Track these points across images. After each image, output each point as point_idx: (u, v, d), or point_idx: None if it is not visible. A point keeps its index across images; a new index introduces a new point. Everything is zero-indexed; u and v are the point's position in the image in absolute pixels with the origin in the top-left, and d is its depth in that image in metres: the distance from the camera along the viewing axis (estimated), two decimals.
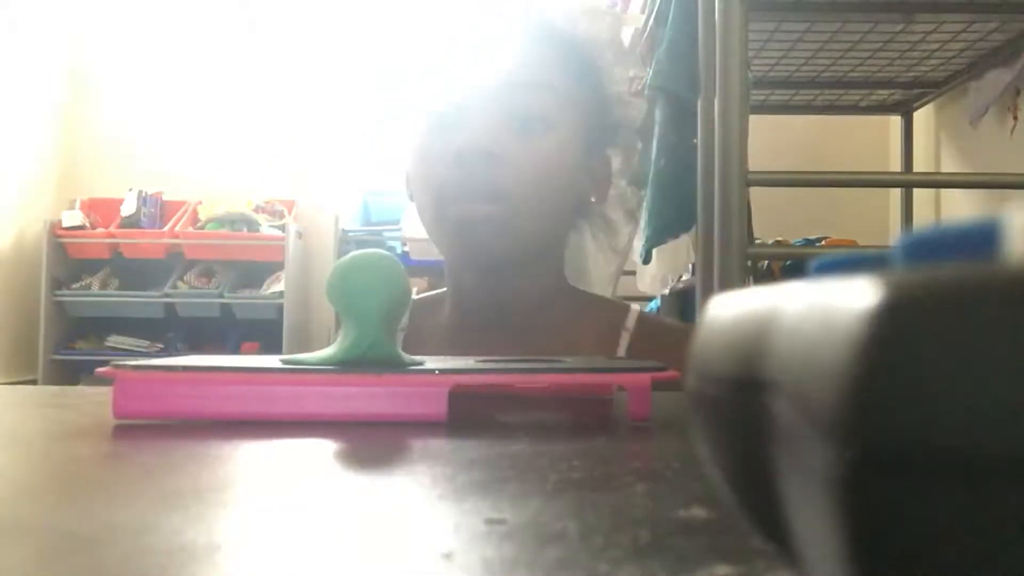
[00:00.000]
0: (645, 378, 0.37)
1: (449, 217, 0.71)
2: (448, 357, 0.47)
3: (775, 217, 2.15)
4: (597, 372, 0.39)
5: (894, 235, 2.20)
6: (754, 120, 1.23)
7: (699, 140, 1.32)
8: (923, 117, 2.17)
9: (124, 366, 0.36)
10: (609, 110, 0.78)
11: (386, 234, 3.39)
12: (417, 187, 0.75)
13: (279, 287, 3.33)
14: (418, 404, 0.36)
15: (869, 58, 1.73)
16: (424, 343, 0.77)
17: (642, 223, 1.53)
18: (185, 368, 0.37)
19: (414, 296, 0.83)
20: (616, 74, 0.77)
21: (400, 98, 0.81)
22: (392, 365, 0.38)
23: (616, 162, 0.81)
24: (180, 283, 3.40)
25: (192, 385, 0.36)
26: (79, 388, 0.51)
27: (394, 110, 0.83)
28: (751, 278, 1.44)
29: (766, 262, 1.73)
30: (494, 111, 0.71)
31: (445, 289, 0.81)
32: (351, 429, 0.34)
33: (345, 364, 0.38)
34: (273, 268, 3.40)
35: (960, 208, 2.05)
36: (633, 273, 1.87)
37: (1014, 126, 1.83)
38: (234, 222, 3.42)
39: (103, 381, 0.37)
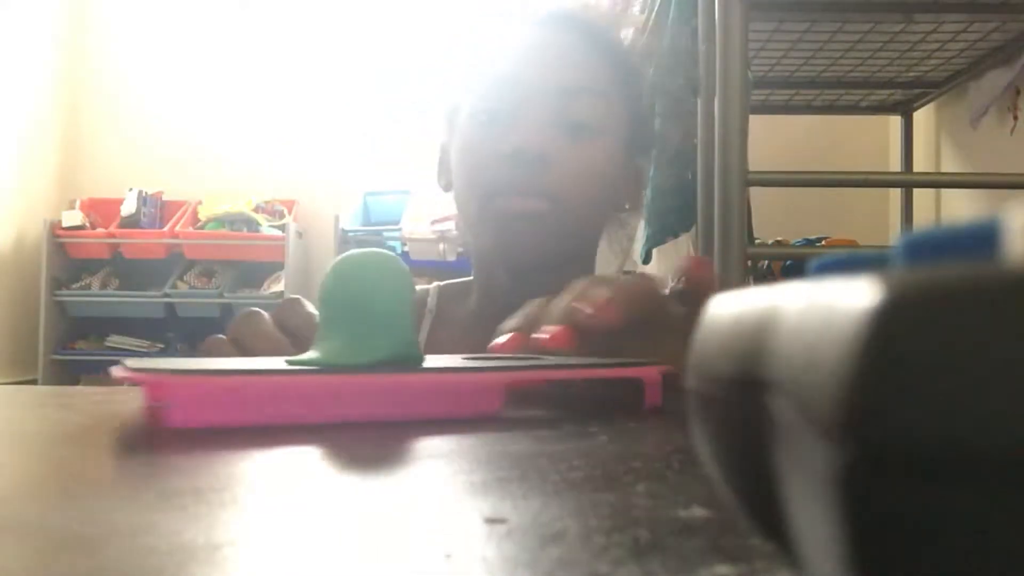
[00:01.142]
0: (655, 370, 0.41)
1: (497, 208, 0.72)
2: (466, 355, 0.46)
3: (775, 217, 2.15)
4: (618, 367, 0.42)
5: (894, 235, 2.20)
6: (754, 120, 1.23)
7: (699, 140, 1.32)
8: (923, 117, 2.17)
9: (154, 370, 0.34)
10: (649, 120, 0.81)
11: (386, 234, 3.39)
12: (461, 181, 0.76)
13: (279, 287, 3.33)
14: (477, 401, 0.38)
15: (869, 58, 1.73)
16: (450, 330, 0.78)
17: (642, 223, 1.53)
18: (235, 372, 0.35)
19: (440, 284, 0.86)
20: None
21: (446, 89, 0.83)
22: (419, 363, 0.38)
23: None
24: (180, 283, 3.40)
25: (249, 391, 0.34)
26: (79, 388, 0.51)
27: (437, 101, 0.85)
28: (751, 278, 1.44)
29: (766, 262, 1.73)
30: (549, 115, 0.72)
31: (471, 279, 0.82)
32: (351, 429, 0.34)
33: (390, 365, 0.37)
34: (273, 268, 3.40)
35: (960, 208, 2.05)
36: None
37: (1014, 126, 1.83)
38: (234, 222, 3.42)
39: (103, 381, 0.36)
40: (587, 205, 0.74)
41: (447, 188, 0.81)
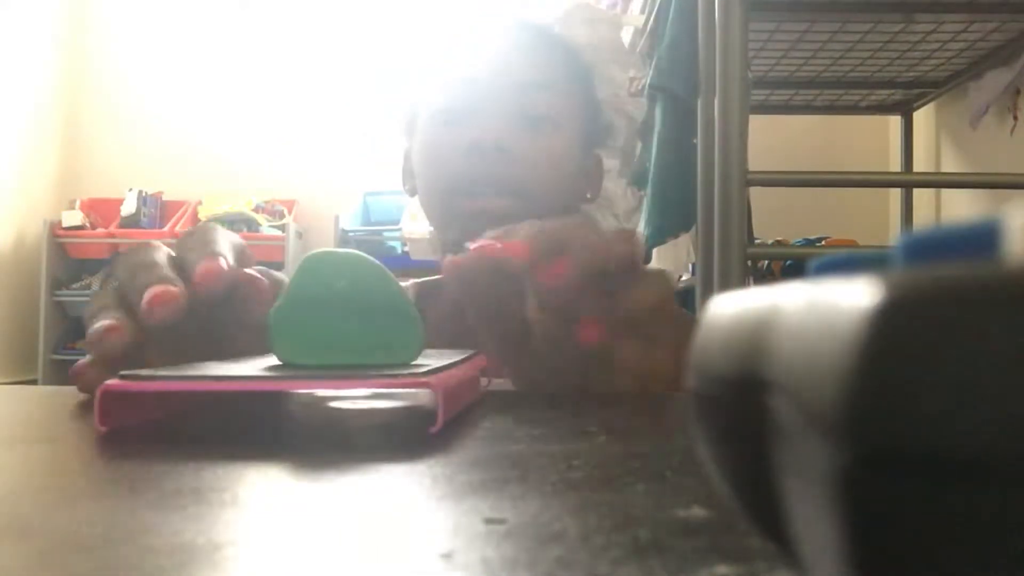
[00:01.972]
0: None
1: (462, 209, 0.73)
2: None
3: (775, 217, 2.15)
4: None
5: (894, 235, 2.20)
6: (754, 120, 1.23)
7: (699, 140, 1.32)
8: (923, 117, 2.17)
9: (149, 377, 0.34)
10: (601, 112, 0.82)
11: (386, 234, 3.39)
12: (424, 181, 0.77)
13: None
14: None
15: (869, 58, 1.73)
16: (428, 327, 0.79)
17: (642, 223, 1.53)
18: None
19: (417, 281, 0.86)
20: (609, 76, 0.81)
21: (404, 96, 0.84)
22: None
23: (615, 163, 0.84)
24: None
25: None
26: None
27: (396, 108, 0.86)
28: (751, 278, 1.44)
29: (766, 262, 1.73)
30: (504, 109, 0.73)
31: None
32: (350, 429, 0.34)
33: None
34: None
35: (960, 208, 2.05)
36: None
37: (1014, 126, 1.83)
38: (234, 222, 3.43)
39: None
40: (551, 196, 0.74)
41: (412, 193, 0.82)
